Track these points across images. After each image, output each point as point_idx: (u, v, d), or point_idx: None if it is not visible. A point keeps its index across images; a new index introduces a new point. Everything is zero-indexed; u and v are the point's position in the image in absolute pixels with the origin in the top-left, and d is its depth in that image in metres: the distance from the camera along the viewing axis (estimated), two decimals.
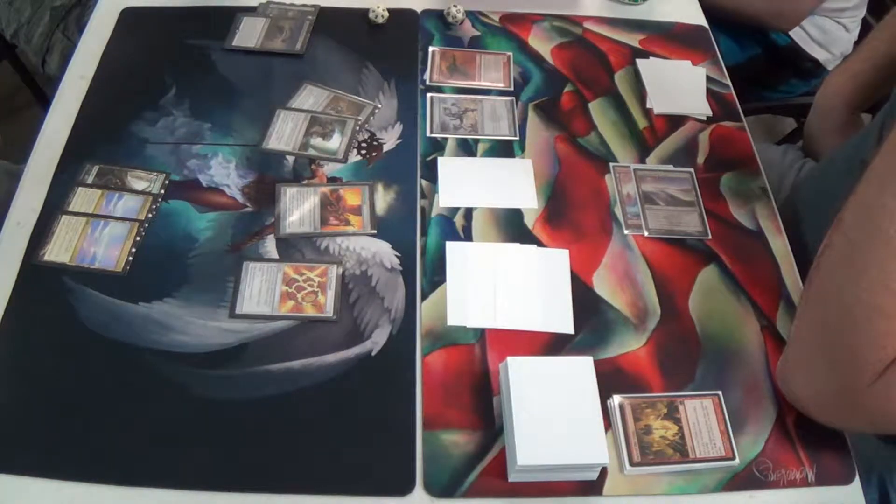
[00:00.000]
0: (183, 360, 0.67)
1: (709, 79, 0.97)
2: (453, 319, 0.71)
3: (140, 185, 0.79)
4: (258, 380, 0.66)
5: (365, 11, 0.99)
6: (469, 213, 0.80)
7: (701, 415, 0.66)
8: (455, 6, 1.00)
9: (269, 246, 0.76)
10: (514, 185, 0.83)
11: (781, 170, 1.02)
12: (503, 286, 0.74)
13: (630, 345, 0.71)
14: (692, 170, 0.86)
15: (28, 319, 0.69)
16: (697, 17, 1.07)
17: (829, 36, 1.27)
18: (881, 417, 0.59)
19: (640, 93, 0.95)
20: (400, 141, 0.87)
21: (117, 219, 0.76)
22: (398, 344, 0.70)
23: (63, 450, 0.62)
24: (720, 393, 0.68)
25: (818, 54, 1.28)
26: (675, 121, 0.92)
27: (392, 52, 0.97)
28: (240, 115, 0.87)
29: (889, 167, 0.56)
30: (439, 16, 1.01)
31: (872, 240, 0.56)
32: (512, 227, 0.79)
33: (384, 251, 0.76)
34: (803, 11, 1.18)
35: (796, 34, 1.26)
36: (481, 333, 0.71)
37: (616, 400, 0.66)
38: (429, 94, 0.92)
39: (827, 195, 0.83)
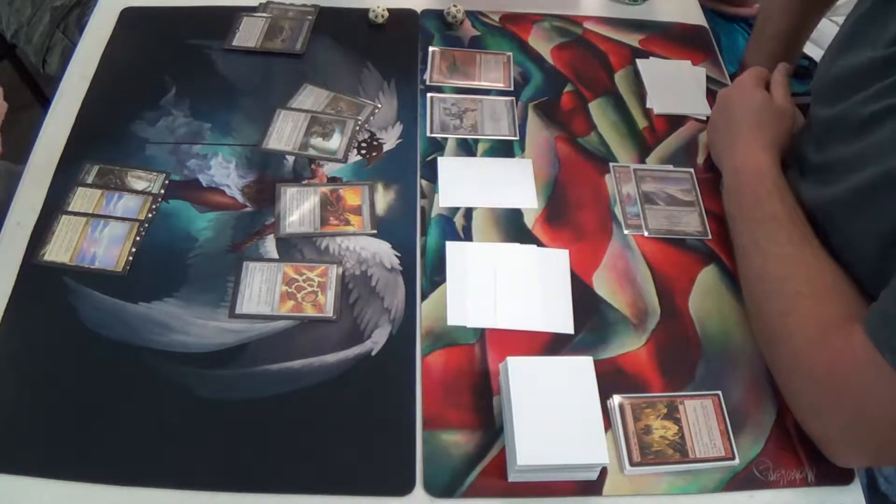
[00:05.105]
0: (183, 360, 0.67)
1: (709, 79, 0.97)
2: (453, 319, 0.71)
3: (140, 185, 0.79)
4: (258, 380, 0.66)
5: (365, 11, 0.99)
6: (469, 212, 0.80)
7: (701, 415, 0.66)
8: (455, 6, 1.00)
9: (269, 246, 0.76)
10: (514, 185, 0.83)
11: None
12: (503, 286, 0.74)
13: (630, 345, 0.71)
14: (692, 170, 0.86)
15: (28, 319, 0.69)
16: (697, 17, 1.07)
17: (822, 33, 1.26)
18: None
19: (640, 93, 0.95)
20: (400, 141, 0.87)
21: (117, 219, 0.76)
22: (398, 344, 0.70)
23: (63, 450, 0.62)
24: (720, 393, 0.68)
25: (812, 52, 1.27)
26: (675, 121, 0.92)
27: (392, 52, 0.96)
28: (240, 115, 0.87)
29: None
30: (439, 16, 1.01)
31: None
32: (512, 227, 0.79)
33: (384, 251, 0.76)
34: None
35: None
36: (481, 333, 0.71)
37: (616, 400, 0.66)
38: (429, 94, 0.92)
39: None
